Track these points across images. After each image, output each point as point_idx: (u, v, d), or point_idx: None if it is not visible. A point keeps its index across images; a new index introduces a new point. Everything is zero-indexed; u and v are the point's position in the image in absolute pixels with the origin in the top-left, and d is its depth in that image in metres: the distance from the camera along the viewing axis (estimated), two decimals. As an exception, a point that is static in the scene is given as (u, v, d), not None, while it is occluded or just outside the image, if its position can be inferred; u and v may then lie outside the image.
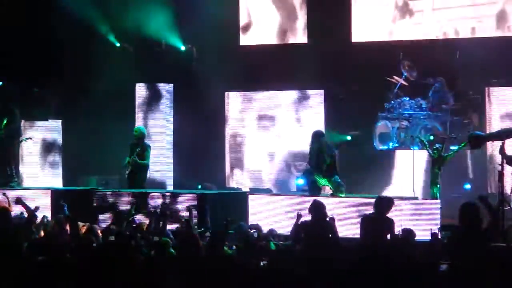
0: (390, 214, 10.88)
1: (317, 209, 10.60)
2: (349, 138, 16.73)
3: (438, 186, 13.57)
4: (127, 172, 15.51)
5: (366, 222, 10.78)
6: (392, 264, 8.20)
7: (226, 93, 17.75)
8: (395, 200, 11.58)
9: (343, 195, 13.80)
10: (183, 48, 18.53)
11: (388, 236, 10.46)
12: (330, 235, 10.40)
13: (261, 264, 8.64)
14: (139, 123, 17.34)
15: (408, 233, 10.54)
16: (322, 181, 14.12)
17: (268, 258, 8.66)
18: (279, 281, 7.67)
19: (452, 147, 14.28)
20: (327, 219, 10.58)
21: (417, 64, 16.19)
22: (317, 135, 14.25)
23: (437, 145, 13.86)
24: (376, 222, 10.69)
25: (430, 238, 10.49)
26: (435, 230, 11.38)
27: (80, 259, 8.73)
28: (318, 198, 11.84)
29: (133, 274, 8.09)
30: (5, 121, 15.85)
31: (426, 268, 8.30)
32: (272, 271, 7.93)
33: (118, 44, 18.64)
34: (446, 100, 16.01)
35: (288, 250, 9.39)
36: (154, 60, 18.11)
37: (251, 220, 13.35)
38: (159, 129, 17.71)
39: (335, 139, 15.04)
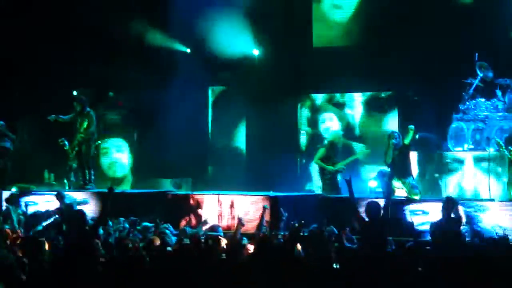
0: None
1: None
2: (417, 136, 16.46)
3: (516, 187, 13.33)
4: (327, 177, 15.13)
5: (435, 228, 10.79)
6: (466, 266, 8.07)
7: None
8: (471, 202, 11.43)
9: (417, 197, 13.65)
10: (256, 52, 18.51)
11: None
12: None
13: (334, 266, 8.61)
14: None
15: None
16: (396, 183, 13.99)
17: (342, 261, 8.63)
18: (351, 284, 7.62)
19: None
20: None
21: (493, 64, 15.91)
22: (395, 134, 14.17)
23: (513, 146, 13.64)
24: (445, 224, 10.70)
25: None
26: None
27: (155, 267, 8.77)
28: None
29: (208, 276, 8.14)
30: (85, 124, 16.10)
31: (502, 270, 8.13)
32: (344, 273, 7.90)
33: (188, 50, 18.75)
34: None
35: (358, 252, 9.33)
36: (224, 64, 18.14)
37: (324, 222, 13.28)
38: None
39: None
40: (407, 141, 13.87)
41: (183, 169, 18.01)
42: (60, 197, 13.86)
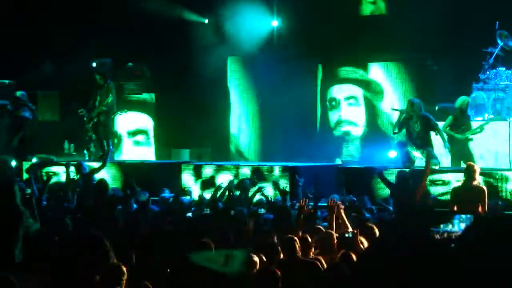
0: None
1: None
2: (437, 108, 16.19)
3: (534, 158, 13.26)
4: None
5: (456, 192, 10.91)
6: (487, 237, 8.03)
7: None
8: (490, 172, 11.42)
9: (436, 167, 13.62)
10: (275, 23, 18.39)
11: (480, 208, 10.41)
12: None
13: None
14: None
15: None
16: (416, 153, 13.97)
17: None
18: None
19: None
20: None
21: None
22: (409, 103, 14.17)
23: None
24: (467, 191, 10.82)
25: None
26: None
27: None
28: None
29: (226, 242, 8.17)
30: (109, 99, 16.13)
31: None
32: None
33: (206, 21, 18.67)
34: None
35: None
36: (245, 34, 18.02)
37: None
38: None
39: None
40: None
41: (203, 139, 18.03)
42: (79, 167, 13.92)
